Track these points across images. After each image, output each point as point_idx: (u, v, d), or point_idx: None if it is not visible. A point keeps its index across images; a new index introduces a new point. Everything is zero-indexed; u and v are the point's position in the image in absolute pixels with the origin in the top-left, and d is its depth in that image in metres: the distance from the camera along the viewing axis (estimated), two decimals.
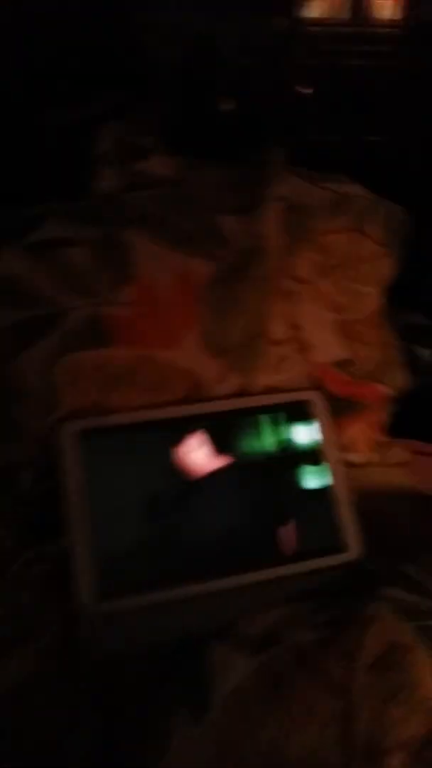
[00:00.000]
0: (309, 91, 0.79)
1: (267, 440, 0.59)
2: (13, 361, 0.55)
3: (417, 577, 0.50)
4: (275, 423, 0.60)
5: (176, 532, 0.54)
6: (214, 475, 0.57)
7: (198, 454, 0.56)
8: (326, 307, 0.65)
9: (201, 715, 0.41)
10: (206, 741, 0.40)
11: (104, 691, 0.44)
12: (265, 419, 0.59)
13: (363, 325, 0.65)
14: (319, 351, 0.64)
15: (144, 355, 0.57)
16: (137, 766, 0.39)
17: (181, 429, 0.57)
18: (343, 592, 0.52)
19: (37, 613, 0.50)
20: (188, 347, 0.59)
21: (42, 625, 0.50)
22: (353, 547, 0.56)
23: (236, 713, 0.41)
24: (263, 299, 0.62)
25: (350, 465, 0.62)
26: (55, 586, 0.51)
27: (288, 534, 0.56)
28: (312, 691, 0.42)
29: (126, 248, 0.58)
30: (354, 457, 0.63)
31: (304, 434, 0.60)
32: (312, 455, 0.59)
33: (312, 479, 0.59)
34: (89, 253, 0.57)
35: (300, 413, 0.60)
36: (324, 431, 0.60)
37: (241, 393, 0.61)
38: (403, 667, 0.43)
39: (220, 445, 0.57)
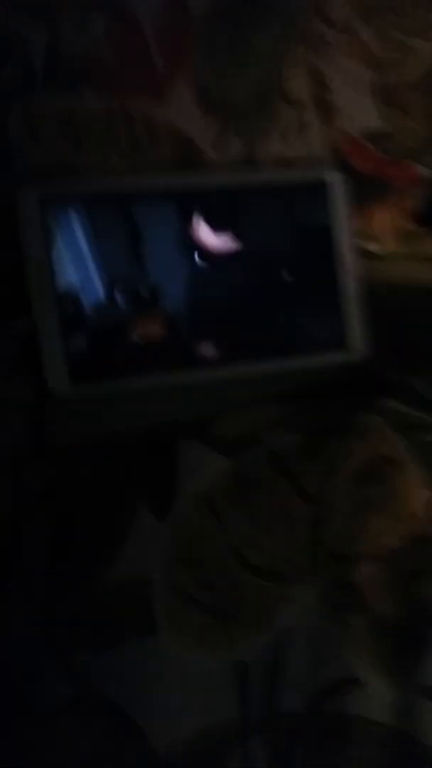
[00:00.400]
0: None
1: (272, 223, 0.50)
2: None
3: (421, 390, 0.44)
4: (283, 204, 0.50)
5: (151, 314, 0.48)
6: (203, 262, 0.49)
7: (200, 233, 0.48)
8: (363, 62, 0.53)
9: (163, 512, 0.38)
10: (165, 539, 0.37)
11: (64, 482, 0.40)
12: (271, 198, 0.50)
13: (407, 90, 0.53)
14: (348, 118, 0.53)
15: (123, 105, 0.47)
16: (90, 560, 0.37)
17: (166, 202, 0.48)
18: (338, 396, 0.47)
19: (5, 396, 0.46)
20: (180, 99, 0.48)
21: (9, 408, 0.46)
22: (357, 347, 0.50)
23: (201, 513, 0.38)
24: (282, 45, 0.50)
25: (371, 256, 0.54)
26: (24, 368, 0.46)
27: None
28: (285, 496, 0.38)
29: None
30: (376, 248, 0.54)
31: (318, 219, 0.50)
32: (324, 243, 0.50)
33: (321, 269, 0.50)
34: None
35: (315, 194, 0.51)
36: (341, 216, 0.50)
37: (245, 164, 0.51)
38: (388, 480, 0.39)
39: (216, 226, 0.49)
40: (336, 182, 0.51)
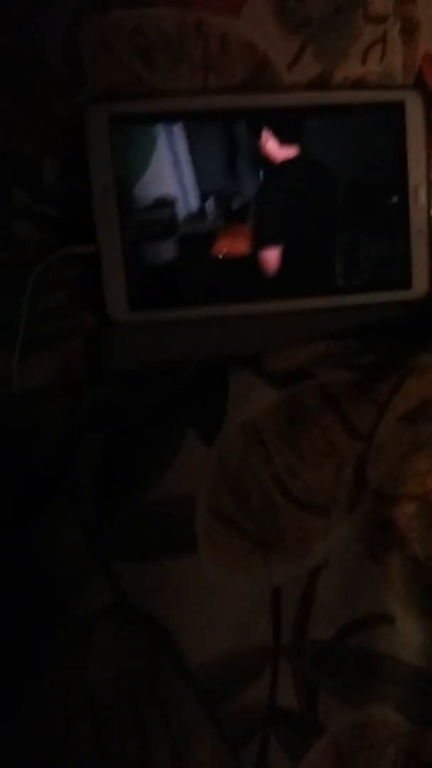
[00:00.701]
0: None
1: (344, 147, 0.48)
2: (25, 23, 0.44)
3: None
4: (357, 127, 0.48)
5: (216, 244, 0.47)
6: (270, 183, 0.47)
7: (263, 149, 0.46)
8: None
9: (211, 437, 0.38)
10: (211, 463, 0.38)
11: (117, 405, 0.42)
12: (345, 121, 0.48)
13: None
14: (428, 35, 0.49)
15: (197, 18, 0.45)
16: (138, 477, 0.38)
17: (236, 123, 0.46)
18: (398, 334, 0.46)
19: (66, 318, 0.47)
20: (253, 14, 0.46)
21: (71, 331, 0.47)
22: (422, 285, 0.48)
23: (248, 441, 0.38)
24: None
25: None
26: (85, 292, 0.47)
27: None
28: (333, 431, 0.38)
29: None
30: None
31: (390, 144, 0.48)
32: (394, 172, 0.48)
33: (388, 201, 0.48)
34: None
35: (390, 117, 0.48)
36: (413, 143, 0.48)
37: (318, 84, 0.48)
38: None
39: (285, 148, 0.47)
40: (414, 104, 0.48)
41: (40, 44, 0.45)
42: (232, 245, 0.48)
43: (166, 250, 0.47)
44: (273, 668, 0.35)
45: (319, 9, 0.47)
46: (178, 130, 0.46)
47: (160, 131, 0.46)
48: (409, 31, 0.49)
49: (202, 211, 0.47)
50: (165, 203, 0.47)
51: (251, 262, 0.48)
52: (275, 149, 0.47)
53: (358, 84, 0.49)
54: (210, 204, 0.47)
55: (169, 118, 0.46)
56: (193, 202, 0.47)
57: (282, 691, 0.35)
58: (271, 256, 0.48)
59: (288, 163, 0.48)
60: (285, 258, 0.48)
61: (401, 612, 0.35)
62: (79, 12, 0.44)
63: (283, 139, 0.48)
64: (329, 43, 0.47)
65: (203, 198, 0.47)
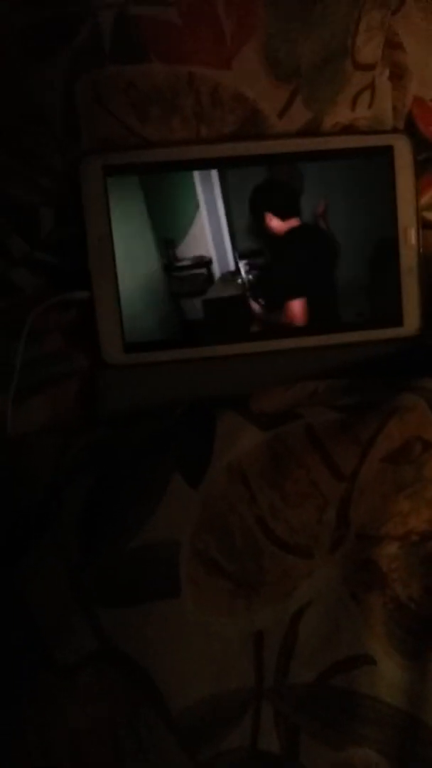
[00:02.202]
0: None
1: (330, 189, 0.49)
2: (25, 78, 0.46)
3: None
4: (348, 171, 0.49)
5: (209, 285, 0.48)
6: (273, 238, 0.49)
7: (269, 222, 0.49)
8: None
9: (196, 480, 0.39)
10: (196, 505, 0.38)
11: (106, 447, 0.43)
12: (333, 166, 0.49)
13: None
14: (418, 80, 0.50)
15: (188, 72, 0.47)
16: (123, 521, 0.39)
17: (228, 171, 0.48)
18: (388, 373, 0.46)
19: (61, 362, 0.49)
20: (244, 65, 0.47)
21: (65, 374, 0.49)
22: (413, 323, 0.49)
23: (233, 483, 0.39)
24: (354, 3, 0.47)
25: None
26: (79, 336, 0.48)
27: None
28: (316, 472, 0.39)
29: None
30: None
31: (378, 187, 0.49)
32: (383, 213, 0.49)
33: (379, 242, 0.49)
34: None
35: (378, 161, 0.49)
36: (402, 185, 0.49)
37: (307, 132, 0.50)
38: (421, 461, 0.38)
39: (283, 214, 0.49)
40: (402, 148, 0.49)
41: (39, 98, 0.47)
42: (224, 287, 0.49)
43: (160, 295, 0.49)
44: (255, 712, 0.35)
45: (308, 59, 0.48)
46: (169, 179, 0.48)
47: (153, 181, 0.48)
48: (398, 76, 0.51)
49: (197, 257, 0.49)
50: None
51: (244, 302, 0.49)
52: (274, 219, 0.49)
53: (348, 130, 0.50)
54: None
55: (161, 168, 0.48)
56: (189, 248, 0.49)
57: (264, 735, 0.35)
58: (253, 303, 0.49)
59: (286, 225, 0.49)
60: (275, 291, 0.49)
61: (382, 653, 0.35)
62: (77, 67, 0.46)
63: (281, 208, 0.49)
64: (318, 91, 0.49)
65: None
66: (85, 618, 0.36)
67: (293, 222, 0.49)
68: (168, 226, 0.48)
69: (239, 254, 0.49)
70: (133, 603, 0.36)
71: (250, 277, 0.49)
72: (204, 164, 0.48)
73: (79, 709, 0.35)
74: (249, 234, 0.49)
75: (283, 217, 0.49)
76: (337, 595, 0.36)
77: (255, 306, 0.49)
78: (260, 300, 0.49)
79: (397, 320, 0.49)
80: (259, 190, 0.49)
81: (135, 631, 0.36)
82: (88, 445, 0.42)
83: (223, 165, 0.48)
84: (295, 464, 0.39)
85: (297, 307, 0.49)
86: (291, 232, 0.49)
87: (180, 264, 0.48)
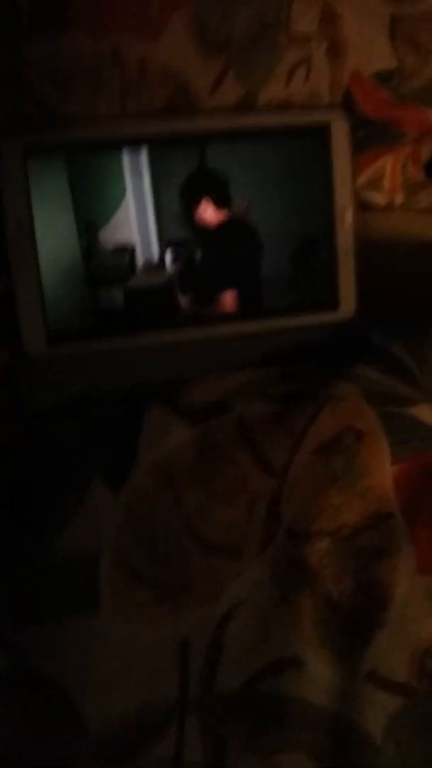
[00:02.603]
0: None
1: (266, 168, 0.47)
2: None
3: (401, 357, 0.42)
4: (283, 149, 0.47)
5: (131, 274, 0.46)
6: (203, 237, 0.47)
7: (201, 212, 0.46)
8: None
9: (118, 484, 0.37)
10: (117, 511, 0.36)
11: (27, 446, 0.40)
12: (267, 144, 0.47)
13: (423, 25, 0.48)
14: (356, 55, 0.48)
15: (113, 46, 0.44)
16: (41, 528, 0.37)
17: (162, 152, 0.45)
18: (323, 360, 0.45)
19: None
20: (173, 37, 0.45)
21: None
22: (348, 307, 0.48)
23: (157, 484, 0.37)
24: None
25: (370, 207, 0.50)
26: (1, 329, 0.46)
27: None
28: (246, 467, 0.37)
29: None
30: (376, 197, 0.50)
31: (314, 167, 0.47)
32: (319, 194, 0.47)
33: (314, 222, 0.47)
34: None
35: (313, 139, 0.47)
36: (339, 164, 0.47)
37: (244, 109, 0.47)
38: (353, 452, 0.37)
39: (205, 172, 0.47)
40: (339, 126, 0.47)
41: None
42: (147, 277, 0.47)
43: (82, 282, 0.46)
44: (179, 723, 0.34)
45: (240, 30, 0.46)
46: (94, 159, 0.45)
47: (77, 162, 0.45)
48: (336, 50, 0.49)
49: (120, 244, 0.47)
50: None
51: (169, 290, 0.47)
52: (206, 209, 0.47)
53: (283, 106, 0.48)
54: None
55: (85, 147, 0.45)
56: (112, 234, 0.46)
57: (189, 747, 0.33)
58: (182, 297, 0.47)
59: (219, 216, 0.47)
60: (206, 284, 0.47)
61: (311, 653, 0.34)
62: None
63: (206, 166, 0.47)
64: (251, 65, 0.47)
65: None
66: None
67: (225, 212, 0.47)
68: (92, 209, 0.45)
69: (165, 243, 0.47)
70: (50, 618, 0.34)
71: (176, 267, 0.47)
72: (130, 142, 0.45)
73: None
74: (177, 222, 0.46)
75: (218, 206, 0.47)
76: (266, 597, 0.35)
77: (182, 298, 0.47)
78: (189, 293, 0.47)
79: (333, 304, 0.48)
80: (193, 178, 0.46)
81: (52, 648, 0.34)
82: (7, 443, 0.40)
83: (151, 143, 0.45)
84: (224, 460, 0.37)
85: (228, 298, 0.47)
86: (224, 223, 0.47)
87: (102, 250, 0.46)
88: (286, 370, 0.43)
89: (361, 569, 0.35)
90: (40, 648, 0.34)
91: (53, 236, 0.45)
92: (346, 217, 0.47)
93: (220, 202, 0.47)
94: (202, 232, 0.47)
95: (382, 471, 0.36)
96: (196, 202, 0.46)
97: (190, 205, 0.46)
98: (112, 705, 0.33)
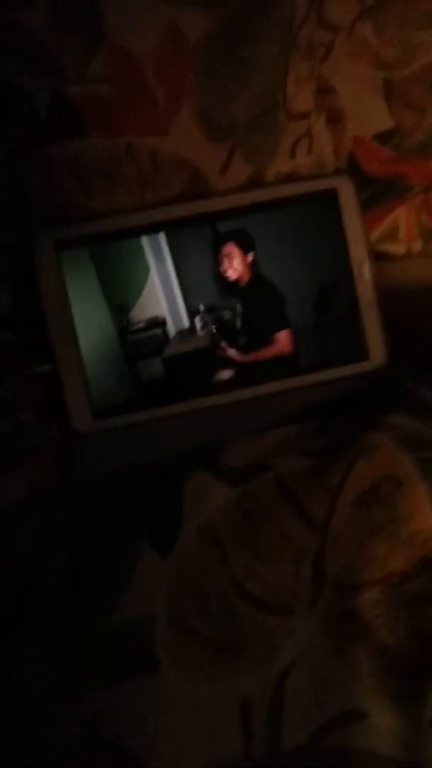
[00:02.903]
0: None
1: (283, 239, 0.50)
2: None
3: (430, 401, 0.43)
4: (294, 218, 0.50)
5: (167, 345, 0.49)
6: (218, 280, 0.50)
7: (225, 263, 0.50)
8: (372, 62, 0.50)
9: (167, 548, 0.38)
10: (168, 574, 0.38)
11: (80, 522, 0.42)
12: (280, 215, 0.50)
13: (414, 84, 0.51)
14: (355, 121, 0.51)
15: (127, 143, 0.48)
16: (96, 599, 0.38)
17: (179, 232, 0.49)
18: (357, 411, 0.46)
19: (34, 435, 0.49)
20: (180, 129, 0.48)
21: (39, 447, 0.49)
22: (377, 354, 0.49)
23: (204, 546, 0.38)
24: (280, 57, 0.48)
25: (387, 258, 0.52)
26: (48, 408, 0.49)
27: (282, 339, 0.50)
28: (288, 524, 0.38)
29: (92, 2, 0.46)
30: (392, 248, 0.52)
31: (326, 229, 0.50)
32: (334, 254, 0.50)
33: (336, 280, 0.50)
34: (44, 14, 0.46)
35: (325, 203, 0.50)
36: (350, 224, 0.50)
37: (252, 185, 0.51)
38: (393, 501, 0.37)
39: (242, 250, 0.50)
40: (345, 189, 0.50)
41: None
42: (182, 344, 0.50)
43: (121, 358, 0.49)
44: None
45: (242, 115, 0.49)
46: (119, 247, 0.49)
47: (104, 251, 0.48)
48: (335, 120, 0.52)
49: (151, 318, 0.49)
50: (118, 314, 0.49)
51: (207, 356, 0.49)
52: (232, 259, 0.50)
53: (291, 177, 0.51)
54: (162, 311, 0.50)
55: (110, 237, 0.48)
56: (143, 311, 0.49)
57: None
58: (231, 351, 0.50)
59: (242, 268, 0.50)
60: (258, 326, 0.50)
61: (373, 704, 0.34)
62: (18, 146, 0.47)
63: (224, 242, 0.50)
64: (256, 144, 0.49)
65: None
66: (70, 703, 0.35)
67: (250, 257, 0.50)
68: (121, 291, 0.49)
69: (192, 312, 0.49)
70: (113, 683, 0.35)
71: (206, 331, 0.49)
72: (150, 229, 0.48)
73: None
74: (208, 287, 0.49)
75: (242, 249, 0.50)
76: (322, 652, 0.35)
77: (231, 351, 0.49)
78: (240, 339, 0.49)
79: (363, 355, 0.49)
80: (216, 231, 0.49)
81: (117, 712, 0.35)
82: (63, 521, 0.42)
83: (170, 227, 0.49)
84: (267, 519, 0.38)
85: (284, 338, 0.49)
86: (252, 277, 0.50)
87: (136, 325, 0.49)
88: (322, 424, 0.44)
89: (413, 616, 0.35)
90: (108, 713, 0.35)
91: (89, 319, 0.48)
92: (363, 272, 0.49)
93: (244, 244, 0.49)
94: (234, 288, 0.50)
95: (424, 516, 0.37)
96: (223, 244, 0.49)
97: (216, 256, 0.49)
98: (180, 765, 0.34)
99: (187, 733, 0.34)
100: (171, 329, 0.49)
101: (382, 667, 0.34)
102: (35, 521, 0.42)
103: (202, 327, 0.49)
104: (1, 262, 0.48)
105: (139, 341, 0.48)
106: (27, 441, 0.48)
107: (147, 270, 0.49)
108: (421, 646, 0.34)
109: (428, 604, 0.35)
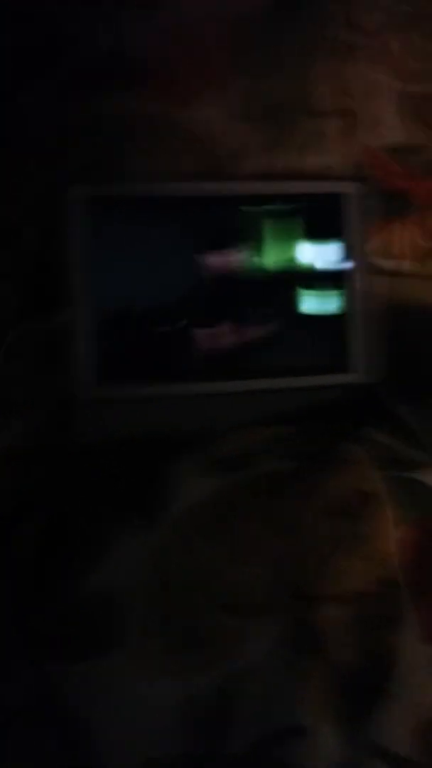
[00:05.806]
0: None
1: (286, 235, 0.48)
2: (11, 101, 0.44)
3: (408, 420, 0.42)
4: (298, 216, 0.48)
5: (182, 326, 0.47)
6: (226, 274, 0.48)
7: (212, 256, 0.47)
8: (392, 72, 0.49)
9: (148, 528, 0.37)
10: (143, 556, 0.36)
11: (64, 483, 0.40)
12: (287, 210, 0.48)
13: (430, 102, 0.49)
14: (373, 130, 0.50)
15: (169, 111, 0.46)
16: (73, 571, 0.36)
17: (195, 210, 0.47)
18: (335, 420, 0.45)
19: (30, 389, 0.46)
20: (220, 107, 0.47)
21: (34, 402, 0.46)
22: (359, 369, 0.48)
23: (182, 535, 0.37)
24: (309, 53, 0.47)
25: (388, 274, 0.51)
26: (48, 363, 0.46)
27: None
28: (261, 528, 0.36)
29: None
30: (384, 263, 0.51)
31: (331, 233, 0.48)
32: (336, 259, 0.48)
33: (330, 286, 0.48)
34: None
35: (331, 207, 0.49)
36: (356, 231, 0.48)
37: (265, 174, 0.49)
38: (359, 516, 0.36)
39: (232, 238, 0.47)
40: (353, 195, 0.49)
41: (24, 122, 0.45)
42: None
43: (135, 331, 0.46)
44: None
45: (265, 104, 0.48)
46: (153, 214, 0.46)
47: (139, 215, 0.46)
48: (350, 126, 0.50)
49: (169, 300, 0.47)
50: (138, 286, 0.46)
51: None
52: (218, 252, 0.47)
53: (301, 175, 0.50)
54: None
55: (141, 201, 0.46)
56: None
57: None
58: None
59: (230, 260, 0.48)
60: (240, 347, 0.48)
61: (317, 721, 0.32)
62: (68, 92, 0.45)
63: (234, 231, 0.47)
64: (277, 134, 0.48)
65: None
66: (30, 666, 0.34)
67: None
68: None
69: None
70: (75, 657, 0.34)
71: None
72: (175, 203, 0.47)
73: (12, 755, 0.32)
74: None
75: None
76: (275, 662, 0.33)
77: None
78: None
79: (345, 367, 0.48)
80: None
81: (75, 684, 0.33)
82: (45, 479, 0.40)
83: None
84: (240, 520, 0.37)
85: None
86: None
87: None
88: (311, 429, 0.43)
89: (366, 637, 0.34)
90: (67, 685, 0.33)
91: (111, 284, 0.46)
92: (356, 282, 0.48)
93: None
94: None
95: (385, 536, 0.35)
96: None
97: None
98: (129, 753, 0.32)
99: (133, 723, 0.33)
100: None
101: (331, 687, 0.33)
102: (19, 472, 0.40)
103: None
104: (30, 208, 0.45)
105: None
106: (27, 392, 0.45)
107: None
108: (371, 667, 0.33)
109: (380, 625, 0.33)
